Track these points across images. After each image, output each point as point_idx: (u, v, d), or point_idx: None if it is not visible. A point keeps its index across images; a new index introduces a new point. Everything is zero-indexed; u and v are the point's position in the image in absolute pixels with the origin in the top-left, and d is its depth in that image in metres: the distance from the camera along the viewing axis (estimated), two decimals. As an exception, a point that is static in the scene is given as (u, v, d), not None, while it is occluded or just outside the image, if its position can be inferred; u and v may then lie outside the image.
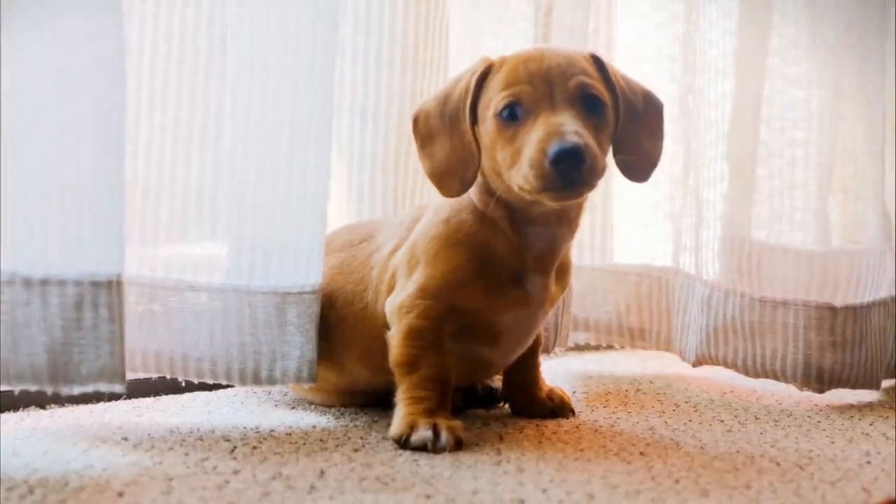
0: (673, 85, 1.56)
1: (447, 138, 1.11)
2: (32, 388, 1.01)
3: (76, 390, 1.01)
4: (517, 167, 1.03)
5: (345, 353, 1.19)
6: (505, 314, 1.12)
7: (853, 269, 1.46)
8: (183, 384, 1.22)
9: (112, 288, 1.02)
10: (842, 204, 1.50)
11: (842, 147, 1.49)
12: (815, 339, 1.40)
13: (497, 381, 1.30)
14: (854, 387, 1.42)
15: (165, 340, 1.15)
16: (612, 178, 1.62)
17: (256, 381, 1.16)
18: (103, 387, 1.02)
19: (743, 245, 1.47)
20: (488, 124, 1.08)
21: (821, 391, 1.41)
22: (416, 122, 1.14)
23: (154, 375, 1.18)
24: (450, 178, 1.11)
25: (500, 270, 1.11)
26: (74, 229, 1.01)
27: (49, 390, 1.01)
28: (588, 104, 1.06)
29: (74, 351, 1.01)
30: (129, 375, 1.21)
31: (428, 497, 0.89)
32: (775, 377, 1.43)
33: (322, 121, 1.16)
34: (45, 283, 1.00)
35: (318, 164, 1.16)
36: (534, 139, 1.02)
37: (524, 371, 1.25)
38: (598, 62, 1.11)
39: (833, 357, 1.40)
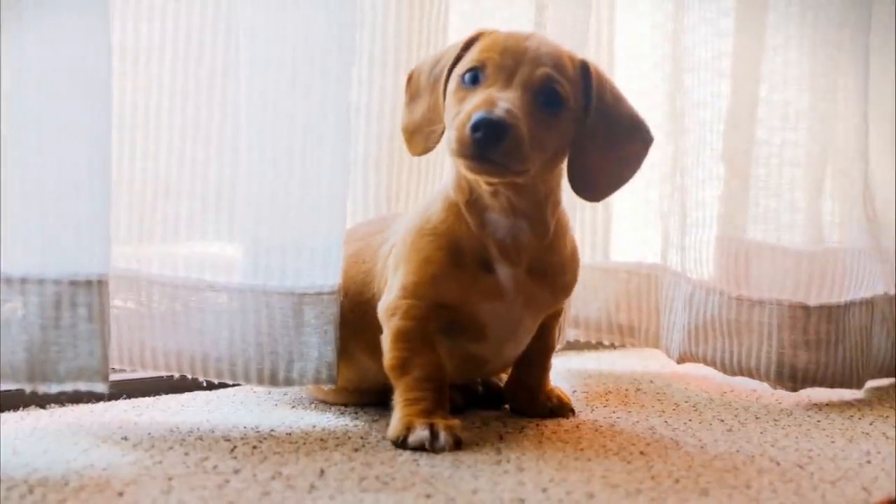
0: (665, 84, 1.56)
1: (427, 97, 1.13)
2: (11, 386, 1.01)
3: (54, 389, 1.01)
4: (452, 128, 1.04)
5: (355, 343, 1.20)
6: (481, 305, 1.12)
7: (828, 269, 1.46)
8: (204, 383, 1.22)
9: (92, 287, 1.02)
10: (823, 203, 1.49)
11: (829, 146, 1.48)
12: (788, 337, 1.40)
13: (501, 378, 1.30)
14: (832, 386, 1.42)
15: (186, 340, 1.16)
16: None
17: (274, 381, 1.17)
18: (83, 385, 1.02)
19: (722, 243, 1.47)
20: (452, 84, 1.09)
21: (794, 389, 1.41)
22: (410, 78, 1.17)
23: (176, 375, 1.19)
24: (417, 135, 1.14)
25: (469, 259, 1.11)
26: (55, 229, 1.01)
27: (27, 389, 1.01)
28: (546, 98, 1.06)
29: (52, 350, 1.01)
30: (152, 373, 1.24)
31: (428, 497, 0.89)
32: (750, 375, 1.43)
33: (339, 120, 1.16)
34: (24, 281, 1.00)
35: (334, 164, 1.17)
36: (468, 105, 1.03)
37: (532, 372, 1.24)
38: (584, 69, 1.10)
39: (807, 356, 1.40)
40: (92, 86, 1.02)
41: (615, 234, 1.65)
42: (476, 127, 0.99)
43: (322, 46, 1.15)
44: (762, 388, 1.48)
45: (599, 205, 1.61)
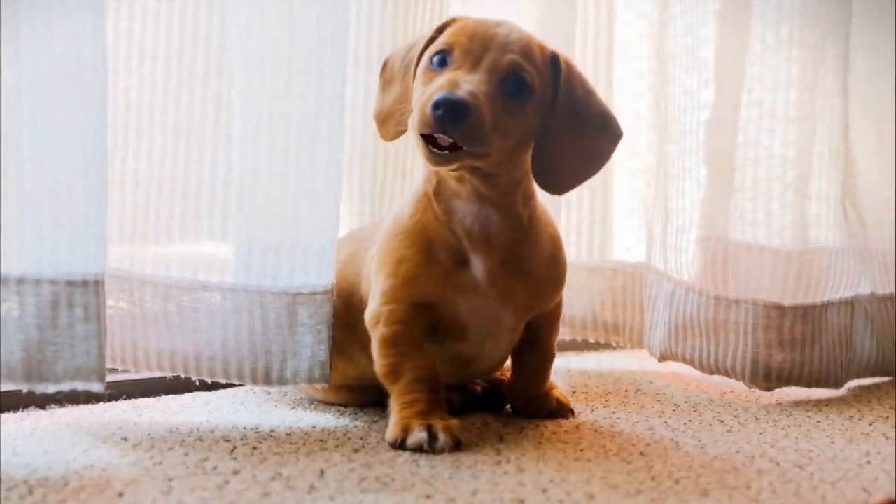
0: (657, 86, 1.56)
1: (399, 83, 1.13)
2: (8, 386, 1.01)
3: (51, 389, 1.01)
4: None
5: (351, 343, 1.20)
6: (458, 301, 1.11)
7: (804, 269, 1.46)
8: (205, 383, 1.22)
9: (88, 287, 1.02)
10: (805, 204, 1.49)
11: (810, 147, 1.48)
12: (763, 337, 1.41)
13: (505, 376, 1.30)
14: (808, 385, 1.43)
15: (179, 339, 1.16)
16: (612, 176, 1.63)
17: (268, 381, 1.17)
18: (80, 385, 1.02)
19: (704, 243, 1.47)
20: (421, 66, 1.09)
21: (769, 389, 1.42)
22: (384, 66, 1.17)
23: (169, 374, 1.19)
24: (389, 121, 1.14)
25: (441, 253, 1.11)
26: (51, 229, 1.01)
27: (24, 388, 1.01)
28: (512, 84, 1.05)
29: (49, 350, 1.01)
30: (151, 374, 1.23)
31: (428, 497, 0.89)
32: (726, 374, 1.43)
33: (333, 120, 1.16)
34: (21, 281, 1.00)
35: (328, 164, 1.17)
36: (434, 86, 1.03)
37: (532, 380, 1.24)
38: (553, 60, 1.10)
39: (782, 356, 1.41)
40: (87, 86, 1.02)
41: (600, 233, 1.65)
42: (437, 105, 0.99)
43: (316, 46, 1.15)
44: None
45: (585, 202, 1.61)
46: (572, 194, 1.58)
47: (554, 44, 1.20)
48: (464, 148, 1.01)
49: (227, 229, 1.19)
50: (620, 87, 1.61)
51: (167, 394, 1.30)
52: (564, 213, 1.58)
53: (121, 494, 0.88)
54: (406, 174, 1.43)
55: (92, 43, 1.02)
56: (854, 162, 1.57)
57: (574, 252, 1.61)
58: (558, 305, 1.23)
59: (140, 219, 1.18)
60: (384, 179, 1.41)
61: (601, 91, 1.52)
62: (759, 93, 1.47)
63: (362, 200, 1.40)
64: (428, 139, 1.02)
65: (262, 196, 1.16)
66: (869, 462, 1.07)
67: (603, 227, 1.64)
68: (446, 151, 1.02)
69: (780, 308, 1.41)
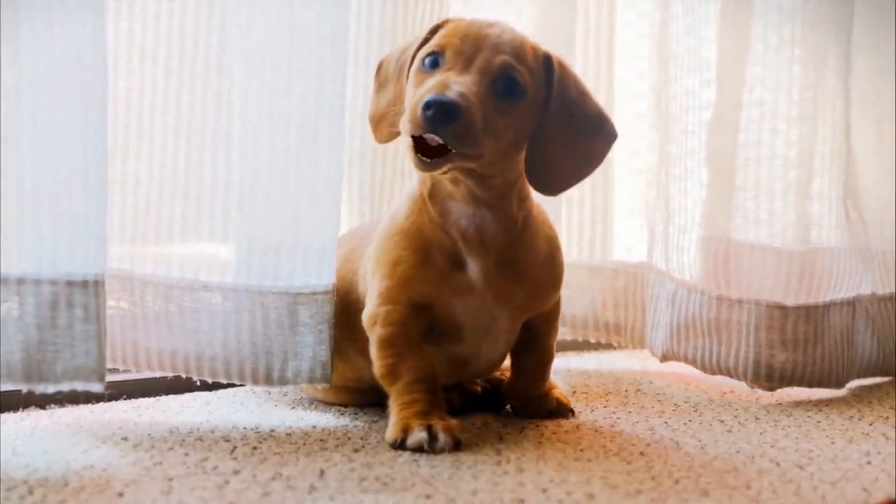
0: (659, 86, 1.57)
1: (394, 85, 1.13)
2: (8, 386, 1.01)
3: (51, 389, 1.01)
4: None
5: (348, 343, 1.20)
6: (454, 302, 1.11)
7: (806, 269, 1.46)
8: (205, 383, 1.22)
9: (88, 288, 1.02)
10: (806, 204, 1.49)
11: (812, 147, 1.48)
12: (765, 337, 1.41)
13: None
14: (810, 385, 1.43)
15: (180, 339, 1.16)
16: (613, 176, 1.63)
17: (269, 381, 1.17)
18: (80, 385, 1.02)
19: (706, 243, 1.47)
20: (413, 68, 1.09)
21: (771, 389, 1.42)
22: (379, 67, 1.17)
23: (170, 374, 1.19)
24: (383, 123, 1.14)
25: (437, 255, 1.11)
26: (51, 229, 1.01)
27: (24, 389, 1.01)
28: (504, 85, 1.05)
29: (49, 350, 1.01)
30: (152, 374, 1.24)
31: (428, 497, 0.89)
32: (728, 374, 1.44)
33: (333, 120, 1.16)
34: (21, 281, 1.00)
35: (329, 164, 1.17)
36: (425, 87, 1.03)
37: (531, 382, 1.24)
38: (546, 61, 1.10)
39: (784, 356, 1.41)
40: (88, 86, 1.02)
41: (601, 232, 1.65)
42: (427, 106, 0.99)
43: (316, 46, 1.15)
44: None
45: (586, 201, 1.61)
46: (573, 194, 1.59)
47: (554, 44, 1.20)
48: (454, 150, 1.01)
49: (227, 229, 1.19)
50: (621, 87, 1.61)
51: (167, 394, 1.30)
52: (565, 213, 1.58)
53: (121, 494, 0.88)
54: (405, 174, 1.43)
55: (92, 43, 1.02)
56: (855, 162, 1.57)
57: (575, 252, 1.61)
58: (556, 305, 1.22)
59: (140, 219, 1.19)
60: (383, 179, 1.41)
61: (602, 91, 1.54)
62: (761, 93, 1.47)
63: (362, 200, 1.40)
64: (419, 140, 1.02)
65: (262, 196, 1.16)
66: (869, 462, 1.07)
67: (604, 226, 1.64)
68: (435, 158, 1.02)
69: (782, 308, 1.41)
